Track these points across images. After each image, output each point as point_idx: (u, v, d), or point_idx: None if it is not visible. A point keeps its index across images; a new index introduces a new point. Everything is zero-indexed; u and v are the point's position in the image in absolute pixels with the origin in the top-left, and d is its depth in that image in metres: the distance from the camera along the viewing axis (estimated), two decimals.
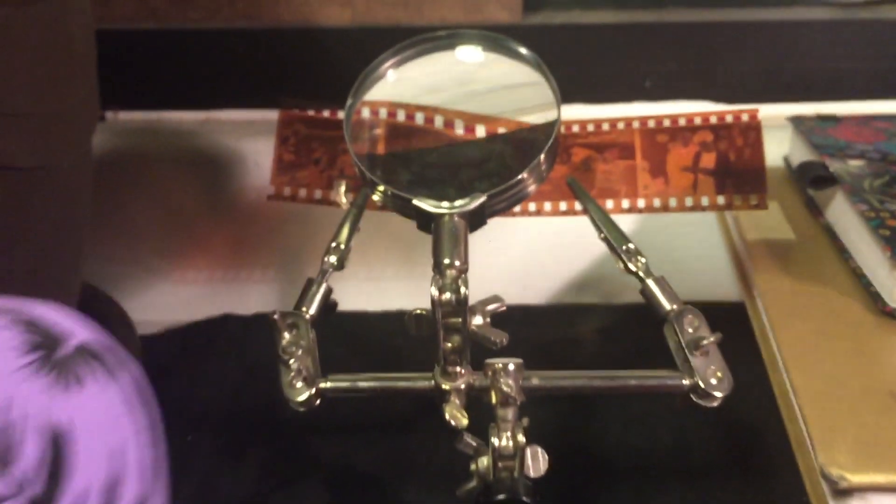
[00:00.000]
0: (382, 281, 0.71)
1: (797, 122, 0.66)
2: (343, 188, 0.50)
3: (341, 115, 0.49)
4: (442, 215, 0.42)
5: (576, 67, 0.71)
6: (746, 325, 0.57)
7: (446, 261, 0.41)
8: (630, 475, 0.51)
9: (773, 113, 0.73)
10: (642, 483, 0.50)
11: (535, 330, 0.64)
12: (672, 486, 0.50)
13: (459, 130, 0.49)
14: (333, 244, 0.47)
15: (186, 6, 0.73)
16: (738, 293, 0.64)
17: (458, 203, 0.42)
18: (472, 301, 0.42)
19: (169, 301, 0.70)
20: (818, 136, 0.63)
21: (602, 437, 0.54)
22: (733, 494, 0.49)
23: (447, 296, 0.40)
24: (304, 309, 0.46)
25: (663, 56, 0.75)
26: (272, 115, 0.76)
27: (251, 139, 0.73)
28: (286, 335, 0.43)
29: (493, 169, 0.46)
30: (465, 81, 0.49)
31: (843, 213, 0.56)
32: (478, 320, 0.42)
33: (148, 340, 0.63)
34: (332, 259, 0.47)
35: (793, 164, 0.65)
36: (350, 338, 0.64)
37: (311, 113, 0.52)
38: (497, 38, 0.47)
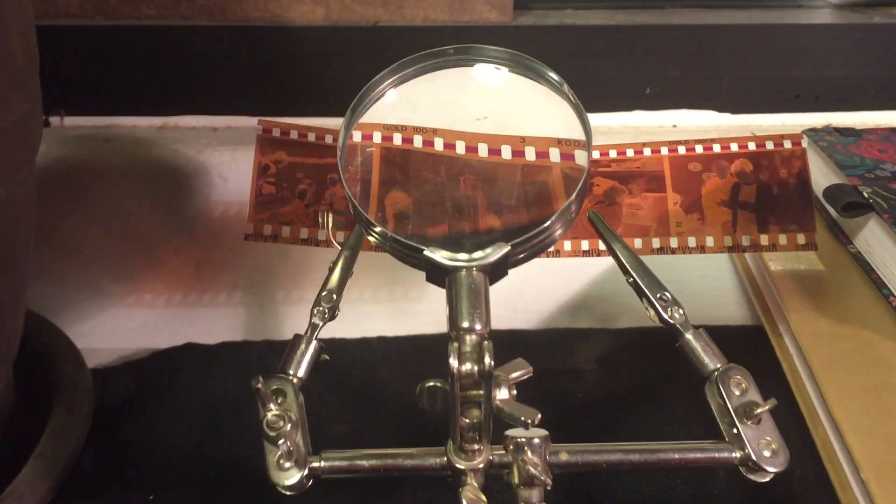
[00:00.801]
0: (361, 304, 0.66)
1: (814, 136, 0.61)
2: (331, 223, 0.44)
3: (330, 139, 0.42)
4: (458, 269, 0.36)
5: (571, 73, 0.67)
6: (765, 356, 0.53)
7: (465, 324, 0.35)
8: None
9: (780, 123, 0.69)
10: None
11: (526, 357, 0.58)
12: None
13: (479, 157, 0.43)
14: (324, 293, 0.41)
15: (140, 1, 0.65)
16: (749, 316, 0.61)
17: (477, 255, 0.36)
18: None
19: (124, 327, 0.65)
20: (840, 153, 0.58)
21: (613, 486, 0.48)
22: None
23: (468, 366, 0.34)
24: (291, 372, 0.39)
25: (664, 61, 0.70)
26: (238, 121, 0.71)
27: (215, 149, 0.66)
28: (271, 406, 0.37)
29: (513, 212, 0.40)
30: (477, 107, 0.43)
31: (880, 244, 0.51)
32: (503, 394, 0.36)
33: (100, 374, 0.57)
34: (324, 310, 0.41)
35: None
36: (327, 370, 0.56)
37: (294, 135, 0.45)
38: (517, 56, 0.41)
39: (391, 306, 0.66)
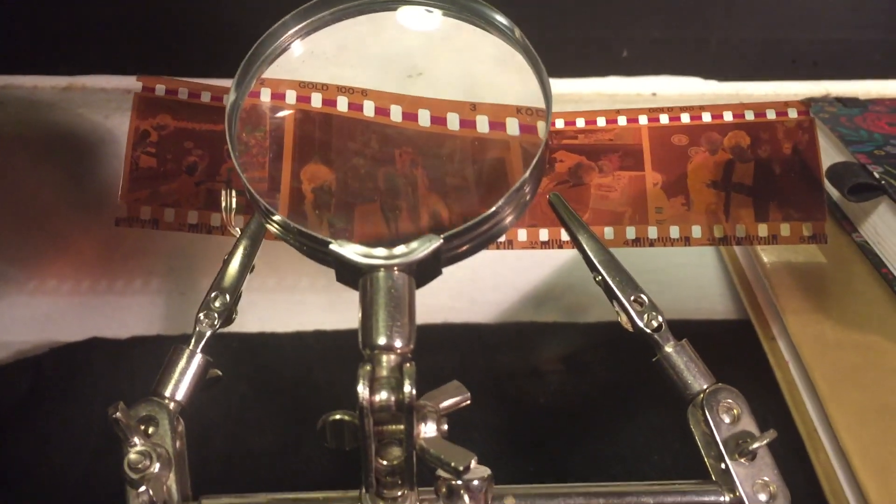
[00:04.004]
0: (296, 292, 0.61)
1: (814, 107, 0.54)
2: (234, 205, 0.36)
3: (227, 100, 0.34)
4: (375, 268, 0.28)
5: (537, 32, 0.60)
6: (753, 356, 0.48)
7: (381, 341, 0.27)
8: None
9: (773, 92, 0.63)
10: None
11: (485, 355, 0.57)
12: None
13: (399, 117, 0.35)
14: (214, 293, 0.33)
15: None
16: (734, 309, 0.57)
17: (399, 250, 0.28)
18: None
19: (24, 317, 0.59)
20: (845, 126, 0.51)
21: None
22: None
23: (382, 396, 0.26)
24: (167, 395, 0.32)
25: (644, 21, 0.63)
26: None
27: (125, 114, 0.57)
28: (136, 441, 0.29)
29: (451, 193, 0.32)
30: (407, 61, 0.35)
31: (892, 233, 0.44)
32: (429, 429, 0.28)
33: None
34: (214, 315, 0.33)
35: None
36: (256, 368, 0.54)
37: (183, 95, 0.37)
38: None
39: (331, 296, 0.60)
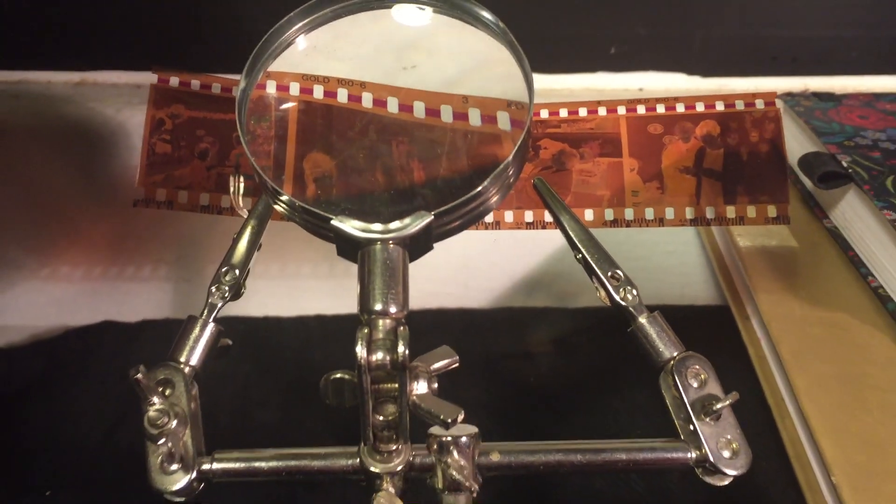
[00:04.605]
0: (298, 279, 0.62)
1: (790, 101, 0.56)
2: (242, 189, 0.38)
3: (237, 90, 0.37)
4: (372, 241, 0.31)
5: (527, 29, 0.62)
6: (730, 339, 0.49)
7: (378, 306, 0.30)
8: None
9: (754, 87, 0.65)
10: None
11: (476, 339, 0.57)
12: None
13: (395, 108, 0.37)
14: (224, 269, 0.36)
15: None
16: (716, 296, 0.57)
17: (394, 225, 0.31)
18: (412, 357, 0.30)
19: (38, 302, 0.59)
20: (818, 119, 0.53)
21: (561, 482, 0.44)
22: None
23: (378, 356, 0.29)
24: (182, 360, 0.34)
25: (631, 18, 0.65)
26: None
27: (136, 108, 0.62)
28: (155, 400, 0.31)
29: (442, 174, 0.35)
30: (402, 54, 0.37)
31: (859, 219, 0.46)
32: (421, 387, 0.31)
33: (5, 354, 0.54)
34: (224, 289, 0.35)
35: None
36: (257, 351, 0.55)
37: (196, 87, 0.39)
38: None
39: (331, 282, 0.62)
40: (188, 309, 0.59)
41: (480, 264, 0.62)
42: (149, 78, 0.64)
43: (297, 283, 0.61)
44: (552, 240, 0.62)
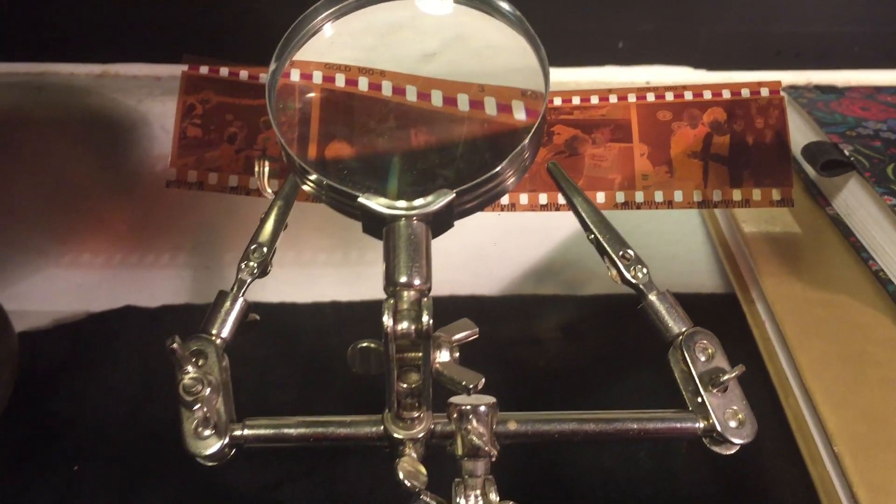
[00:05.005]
0: (313, 267, 0.63)
1: (794, 93, 0.58)
2: (266, 172, 0.40)
3: (264, 77, 0.38)
4: (397, 218, 0.32)
5: (537, 24, 0.64)
6: (736, 324, 0.50)
7: (403, 279, 0.31)
8: None
9: (759, 80, 0.66)
10: None
11: (487, 326, 0.57)
12: None
13: (414, 97, 0.39)
14: (253, 246, 0.37)
15: None
16: (721, 284, 0.59)
17: (418, 202, 0.32)
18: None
19: (59, 288, 0.61)
20: (821, 111, 0.55)
21: (570, 458, 0.46)
22: None
23: (404, 325, 0.30)
24: (213, 332, 0.36)
25: (638, 14, 0.66)
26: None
27: (157, 99, 0.63)
28: (189, 369, 0.33)
29: (461, 156, 0.36)
30: (427, 42, 0.39)
31: (861, 206, 0.48)
32: (443, 356, 0.32)
33: (30, 337, 0.55)
34: (252, 265, 0.37)
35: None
36: (275, 335, 0.57)
37: (224, 74, 0.41)
38: None
39: (346, 270, 0.63)
40: (207, 295, 0.61)
41: (491, 254, 0.63)
42: (168, 70, 0.66)
43: (312, 271, 0.63)
44: (560, 229, 0.64)
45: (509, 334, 0.57)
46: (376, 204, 0.32)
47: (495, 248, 0.63)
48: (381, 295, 0.59)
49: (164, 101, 0.62)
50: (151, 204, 0.63)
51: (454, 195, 0.33)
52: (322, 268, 0.63)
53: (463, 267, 0.62)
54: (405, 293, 0.31)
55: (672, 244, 0.62)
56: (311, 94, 0.39)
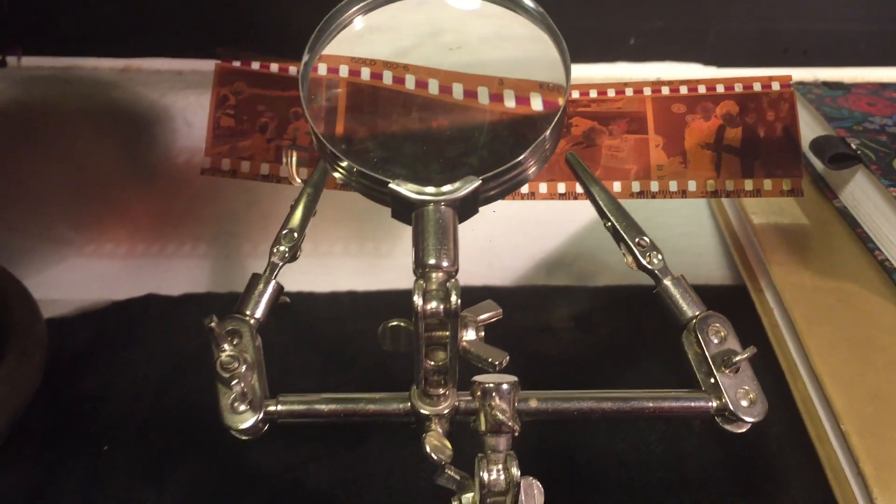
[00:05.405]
0: (331, 258, 0.64)
1: (802, 89, 0.59)
2: (295, 160, 0.41)
3: (294, 70, 0.40)
4: (426, 203, 0.34)
5: (554, 22, 0.65)
6: (745, 315, 0.51)
7: (432, 261, 0.33)
8: (615, 491, 0.44)
9: (768, 77, 0.67)
10: (630, 499, 0.44)
11: (503, 313, 0.60)
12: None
13: (436, 89, 0.40)
14: (284, 231, 0.39)
15: None
16: (730, 276, 0.60)
17: (446, 188, 0.34)
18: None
19: (83, 277, 0.62)
20: (828, 106, 0.56)
21: (584, 442, 0.47)
22: None
23: (433, 305, 0.32)
24: (247, 312, 0.37)
25: (649, 11, 0.67)
26: (205, 65, 0.67)
27: (179, 93, 0.64)
28: (226, 347, 0.35)
29: (485, 145, 0.38)
30: (451, 36, 0.40)
31: (867, 198, 0.49)
32: (470, 335, 0.34)
33: (56, 324, 0.56)
34: (283, 249, 0.39)
35: None
36: (294, 323, 0.57)
37: (255, 67, 0.43)
38: None
39: (362, 261, 0.64)
40: (227, 284, 0.63)
41: (504, 246, 0.64)
42: (190, 65, 0.68)
43: (329, 262, 0.63)
44: (572, 221, 0.65)
45: (523, 324, 0.58)
46: (406, 190, 0.34)
47: (505, 239, 0.64)
48: (396, 285, 0.61)
49: (187, 95, 0.63)
50: (173, 195, 0.64)
51: (480, 182, 0.34)
52: (339, 258, 0.64)
53: (477, 259, 0.63)
54: (434, 275, 0.33)
55: (682, 237, 0.63)
56: (339, 88, 0.41)
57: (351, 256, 0.64)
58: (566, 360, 0.54)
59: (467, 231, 0.63)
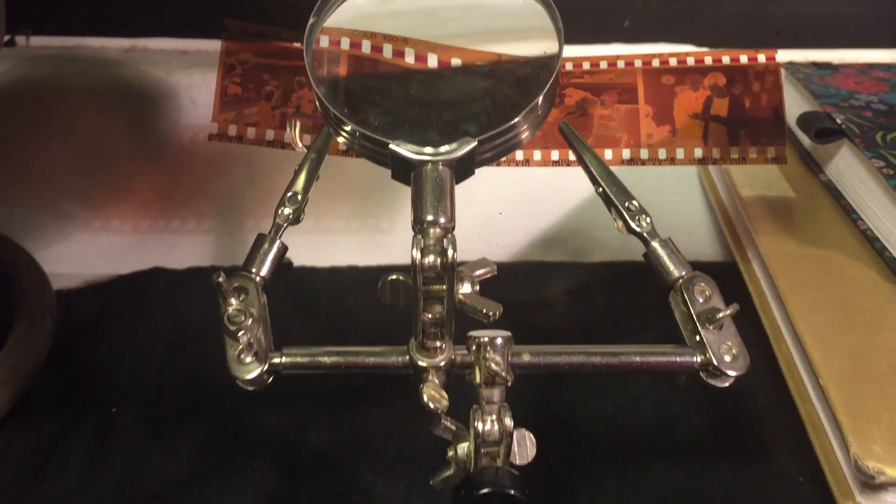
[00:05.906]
0: (332, 233, 0.66)
1: (792, 68, 0.61)
2: (299, 127, 0.43)
3: (298, 44, 0.42)
4: (424, 163, 0.35)
5: None
6: (734, 288, 0.51)
7: (430, 217, 0.35)
8: (606, 453, 0.46)
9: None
10: (620, 461, 0.45)
11: (498, 290, 0.59)
12: (655, 465, 0.45)
13: (435, 63, 0.42)
14: (289, 194, 0.40)
15: None
16: (721, 252, 0.62)
17: (443, 149, 0.36)
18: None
19: (90, 252, 0.64)
20: (816, 84, 0.58)
21: (576, 408, 0.49)
22: (727, 475, 0.44)
23: (430, 259, 0.33)
24: (253, 270, 0.39)
25: None
26: (209, 45, 0.69)
27: (184, 72, 0.65)
28: (233, 301, 0.36)
29: (481, 110, 0.39)
30: (450, 10, 0.42)
31: (851, 170, 0.51)
32: (465, 288, 0.36)
33: (65, 296, 0.57)
34: (287, 211, 0.40)
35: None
36: (295, 296, 0.59)
37: (261, 38, 0.44)
38: None
39: (362, 237, 0.66)
40: (231, 258, 0.64)
41: (502, 222, 0.66)
42: (194, 44, 0.69)
43: (330, 238, 0.65)
44: (567, 199, 0.67)
45: (519, 298, 0.59)
46: (406, 150, 0.35)
47: (502, 216, 0.65)
48: (396, 260, 0.62)
49: (192, 74, 0.64)
50: (178, 172, 0.65)
51: (476, 143, 0.36)
52: (340, 234, 0.65)
53: (475, 236, 0.65)
54: (431, 230, 0.34)
55: (673, 215, 0.64)
56: (341, 57, 0.42)
57: (352, 233, 0.66)
58: (561, 333, 0.56)
59: (461, 206, 0.65)
